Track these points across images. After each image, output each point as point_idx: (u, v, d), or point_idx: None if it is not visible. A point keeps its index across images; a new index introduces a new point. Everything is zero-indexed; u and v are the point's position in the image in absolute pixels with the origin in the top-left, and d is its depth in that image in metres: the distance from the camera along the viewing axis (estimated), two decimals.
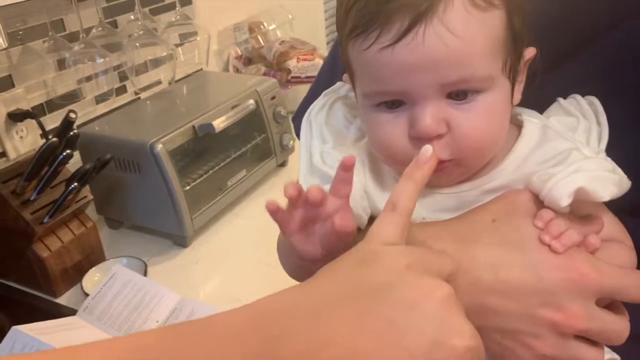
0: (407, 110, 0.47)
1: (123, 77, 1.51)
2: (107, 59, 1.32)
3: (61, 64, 1.34)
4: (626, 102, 0.52)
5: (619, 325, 0.45)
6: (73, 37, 1.36)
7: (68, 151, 1.05)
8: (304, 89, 1.73)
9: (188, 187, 1.24)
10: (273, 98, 1.44)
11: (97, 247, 1.23)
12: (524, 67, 0.51)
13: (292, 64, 1.69)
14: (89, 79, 1.37)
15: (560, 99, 0.55)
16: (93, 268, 1.19)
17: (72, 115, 1.07)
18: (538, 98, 0.53)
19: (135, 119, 1.37)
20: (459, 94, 0.46)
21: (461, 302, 0.42)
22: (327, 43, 2.15)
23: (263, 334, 0.33)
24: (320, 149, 0.56)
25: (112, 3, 1.47)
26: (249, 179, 1.41)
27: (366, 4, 0.45)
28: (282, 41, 1.76)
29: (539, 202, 0.46)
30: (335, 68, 0.71)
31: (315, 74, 1.73)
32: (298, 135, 0.74)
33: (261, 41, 1.80)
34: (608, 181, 0.45)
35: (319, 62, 1.74)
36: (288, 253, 0.55)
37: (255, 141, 1.42)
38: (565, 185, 0.44)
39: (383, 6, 0.44)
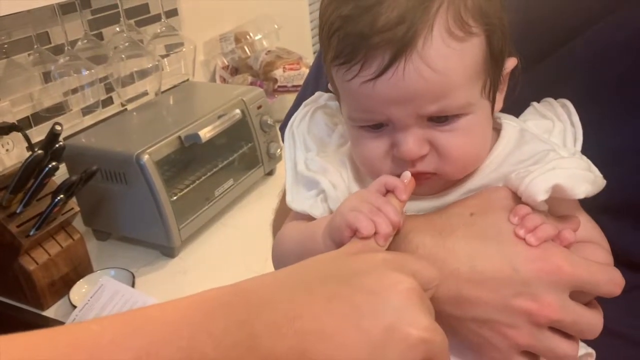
0: (390, 133, 0.48)
1: (109, 89, 1.51)
2: (92, 70, 1.33)
3: (47, 77, 1.35)
4: (599, 102, 0.54)
5: (593, 319, 0.46)
6: (58, 50, 1.37)
7: (54, 163, 1.05)
8: (290, 98, 1.74)
9: (175, 198, 1.24)
10: (259, 107, 1.45)
11: (84, 259, 1.22)
12: (505, 77, 0.52)
13: (278, 73, 1.70)
14: (74, 91, 1.38)
15: (534, 103, 0.56)
16: (80, 280, 1.18)
17: (58, 127, 1.07)
18: (512, 100, 0.54)
19: (121, 130, 1.37)
20: (440, 118, 0.47)
21: (439, 292, 0.44)
22: (314, 52, 2.17)
23: (245, 306, 0.37)
24: (305, 157, 0.57)
25: (97, 15, 1.48)
26: (236, 188, 1.41)
27: (347, 34, 0.45)
28: (268, 51, 1.77)
29: (517, 199, 0.47)
30: (320, 77, 0.72)
31: (301, 82, 1.74)
32: None
33: (247, 51, 1.81)
34: (583, 179, 0.46)
35: (305, 71, 1.75)
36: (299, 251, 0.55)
37: (242, 150, 1.43)
38: (543, 182, 0.45)
39: (365, 40, 0.44)
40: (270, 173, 1.54)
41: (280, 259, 0.59)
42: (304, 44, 2.11)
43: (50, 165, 1.05)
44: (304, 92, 0.75)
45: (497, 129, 0.53)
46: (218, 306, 0.37)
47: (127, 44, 1.38)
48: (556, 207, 0.48)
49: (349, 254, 0.42)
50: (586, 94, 0.54)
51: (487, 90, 0.48)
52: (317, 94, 0.63)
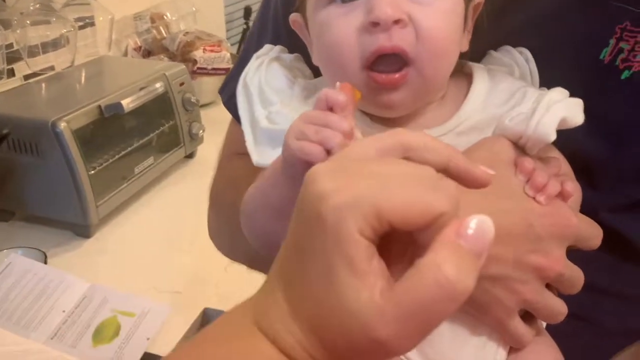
0: (364, 2, 0.46)
1: (10, 59, 1.37)
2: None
3: None
4: (548, 61, 0.54)
5: (580, 273, 0.47)
6: None
7: None
8: (209, 81, 1.68)
9: (93, 172, 1.15)
10: (182, 84, 1.38)
11: None
12: (472, 12, 0.51)
13: (198, 54, 1.64)
14: None
15: (492, 51, 0.56)
16: None
17: None
18: (475, 50, 0.54)
19: (31, 99, 1.25)
20: None
21: None
22: (228, 39, 2.12)
23: None
24: (266, 112, 0.53)
25: None
26: (156, 167, 1.33)
27: None
28: (187, 32, 1.71)
29: (516, 148, 0.47)
30: (264, 34, 0.68)
31: (222, 66, 1.69)
32: (229, 109, 0.68)
33: (163, 32, 1.73)
34: (575, 104, 0.46)
35: (226, 54, 1.70)
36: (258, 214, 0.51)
37: (162, 128, 1.35)
38: (550, 120, 0.44)
39: None
40: (190, 155, 1.47)
41: (247, 223, 0.53)
42: (219, 29, 2.05)
43: None
44: (247, 52, 0.69)
45: (468, 74, 0.53)
46: None
47: (37, 5, 1.26)
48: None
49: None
50: (548, 47, 0.55)
51: None
52: (266, 46, 0.58)
